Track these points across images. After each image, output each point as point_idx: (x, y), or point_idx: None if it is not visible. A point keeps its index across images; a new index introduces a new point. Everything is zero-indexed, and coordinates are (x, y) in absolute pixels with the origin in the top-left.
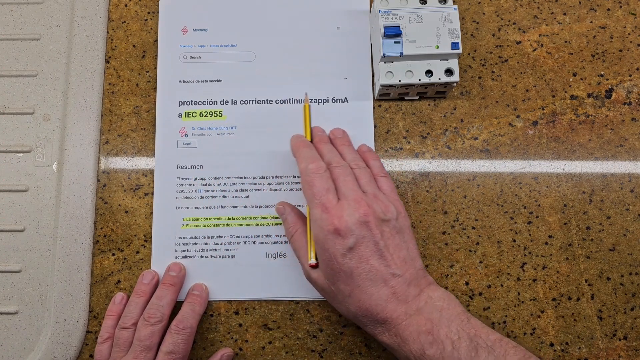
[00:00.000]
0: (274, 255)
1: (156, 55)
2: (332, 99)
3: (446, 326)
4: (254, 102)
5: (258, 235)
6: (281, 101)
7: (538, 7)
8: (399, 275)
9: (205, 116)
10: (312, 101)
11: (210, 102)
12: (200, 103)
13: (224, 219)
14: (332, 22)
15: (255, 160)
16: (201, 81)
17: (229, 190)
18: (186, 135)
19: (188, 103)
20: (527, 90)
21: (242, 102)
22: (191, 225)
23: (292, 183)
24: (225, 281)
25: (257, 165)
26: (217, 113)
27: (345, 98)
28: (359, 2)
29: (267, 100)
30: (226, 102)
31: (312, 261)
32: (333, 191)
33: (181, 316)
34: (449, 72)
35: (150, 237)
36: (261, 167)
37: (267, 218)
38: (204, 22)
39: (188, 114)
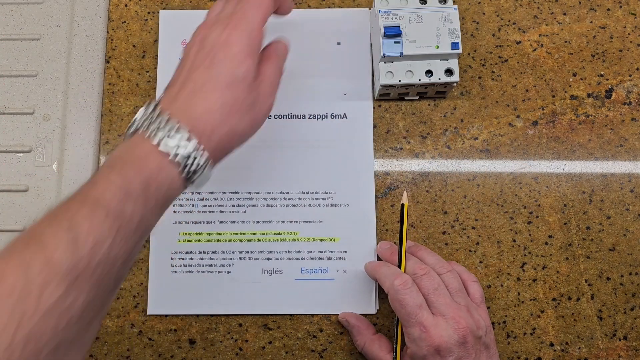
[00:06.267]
0: (270, 272)
1: (156, 56)
2: (331, 115)
3: None
4: None
5: (255, 251)
6: (280, 116)
7: (538, 7)
8: None
9: None
10: (311, 117)
11: None
12: None
13: (221, 234)
14: (332, 38)
15: (252, 176)
16: None
17: (226, 205)
18: None
19: None
20: (527, 90)
21: None
22: (187, 240)
23: (289, 199)
24: (222, 297)
25: (255, 180)
26: None
27: (344, 114)
28: (359, 18)
29: None
30: None
31: None
32: (426, 306)
33: None
34: (449, 72)
35: (149, 238)
36: (258, 183)
37: (264, 234)
38: None
39: None
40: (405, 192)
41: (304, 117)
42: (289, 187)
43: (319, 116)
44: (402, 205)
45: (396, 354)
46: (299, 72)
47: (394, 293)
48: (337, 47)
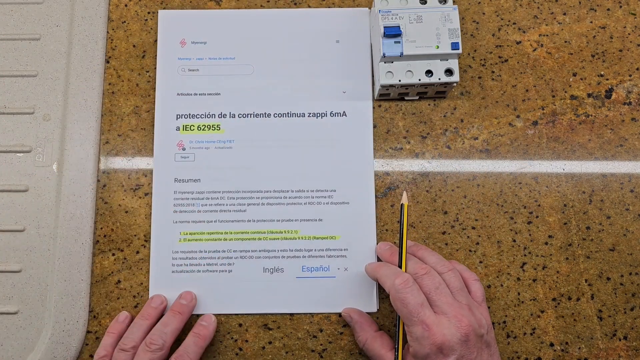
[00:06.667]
0: (271, 270)
1: (156, 55)
2: (331, 113)
3: None
4: (252, 115)
5: (255, 250)
6: (279, 114)
7: (538, 7)
8: None
9: (203, 129)
10: (310, 115)
11: (208, 116)
12: (198, 116)
13: (221, 233)
14: (331, 35)
15: (253, 174)
16: (199, 94)
17: (227, 205)
18: (184, 149)
19: (186, 116)
20: (527, 90)
21: (240, 116)
22: (188, 240)
23: (289, 197)
24: (223, 296)
25: (255, 179)
26: (215, 126)
27: (344, 112)
28: (358, 15)
29: (265, 113)
30: (224, 116)
31: None
32: (427, 305)
33: (183, 349)
34: (449, 72)
35: (150, 238)
36: (259, 181)
37: (265, 232)
38: (203, 35)
39: (186, 127)
40: (405, 192)
41: (303, 115)
42: (289, 186)
43: (318, 114)
44: (402, 205)
45: (398, 352)
46: (297, 71)
47: (395, 292)
48: (336, 45)
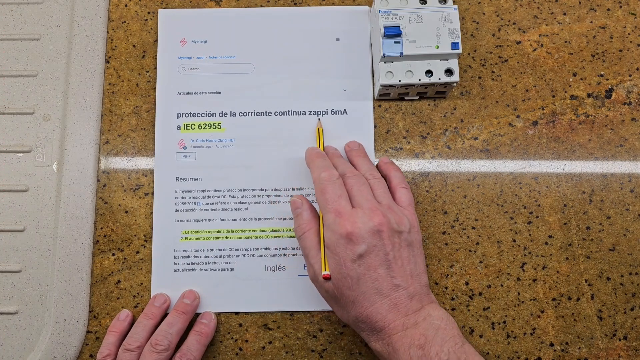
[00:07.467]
0: (273, 268)
1: (156, 55)
2: (331, 111)
3: (439, 345)
4: (252, 114)
5: (257, 248)
6: (280, 113)
7: (538, 7)
8: (403, 288)
9: (204, 128)
10: (311, 113)
11: (209, 114)
12: (199, 115)
13: (223, 231)
14: (331, 34)
15: (254, 173)
16: (200, 93)
17: (228, 203)
18: (185, 148)
19: (187, 115)
20: (527, 90)
21: (241, 114)
22: (190, 238)
23: (291, 195)
24: (225, 294)
25: (256, 177)
26: (216, 125)
27: (345, 110)
28: (358, 14)
29: (266, 112)
30: (225, 114)
31: (326, 272)
32: (346, 198)
33: (186, 347)
34: (449, 72)
35: (150, 237)
36: (260, 180)
37: (266, 231)
38: (203, 34)
39: (187, 126)
40: (319, 119)
41: (304, 113)
42: (291, 184)
43: (319, 112)
44: (318, 129)
45: (322, 252)
46: (297, 69)
47: (319, 182)
48: (336, 44)
